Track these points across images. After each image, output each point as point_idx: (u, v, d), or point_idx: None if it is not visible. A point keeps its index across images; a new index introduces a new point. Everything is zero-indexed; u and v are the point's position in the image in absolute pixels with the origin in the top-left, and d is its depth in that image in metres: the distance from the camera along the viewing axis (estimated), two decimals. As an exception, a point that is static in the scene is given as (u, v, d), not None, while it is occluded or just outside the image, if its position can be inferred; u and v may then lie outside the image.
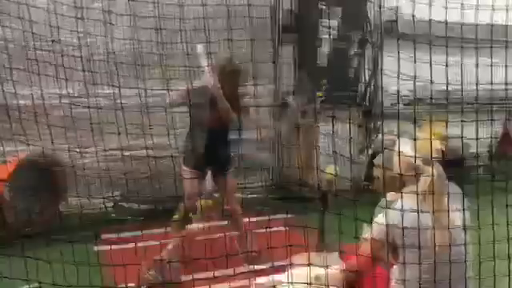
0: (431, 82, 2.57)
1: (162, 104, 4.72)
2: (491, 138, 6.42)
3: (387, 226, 2.50)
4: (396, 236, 2.51)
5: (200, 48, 4.54)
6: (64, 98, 5.10)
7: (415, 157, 2.55)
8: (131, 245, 3.51)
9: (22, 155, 5.27)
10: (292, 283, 2.77)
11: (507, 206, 2.74)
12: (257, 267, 3.99)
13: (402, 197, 2.47)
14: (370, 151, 7.34)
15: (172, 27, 4.28)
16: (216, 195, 5.28)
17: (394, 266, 2.68)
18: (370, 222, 2.66)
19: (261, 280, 3.19)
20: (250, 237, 5.00)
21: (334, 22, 7.25)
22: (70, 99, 4.89)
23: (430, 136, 2.55)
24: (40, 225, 5.45)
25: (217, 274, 3.56)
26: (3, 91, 4.13)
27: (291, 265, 2.89)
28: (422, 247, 2.45)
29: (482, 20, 3.30)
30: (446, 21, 2.88)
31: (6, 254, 2.94)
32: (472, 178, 3.70)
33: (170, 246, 4.63)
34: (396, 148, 2.64)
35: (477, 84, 2.79)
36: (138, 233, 3.69)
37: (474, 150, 3.22)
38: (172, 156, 4.22)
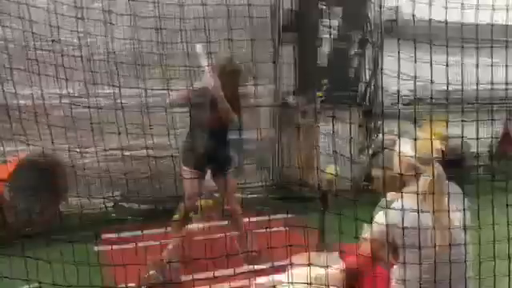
0: (431, 81, 2.57)
1: (162, 104, 4.72)
2: (491, 137, 6.41)
3: (387, 225, 2.50)
4: (396, 236, 2.51)
5: (199, 48, 4.54)
6: (64, 97, 5.10)
7: (415, 157, 2.55)
8: (131, 245, 3.49)
9: (22, 155, 5.28)
10: (292, 283, 2.76)
11: (507, 205, 2.73)
12: (257, 267, 3.98)
13: (402, 197, 2.47)
14: (370, 151, 7.33)
15: (172, 27, 4.28)
16: (216, 195, 5.29)
17: (394, 266, 2.67)
18: (370, 221, 2.66)
19: (261, 280, 3.18)
20: (250, 237, 5.00)
21: (335, 22, 7.24)
22: (70, 99, 4.89)
23: (431, 136, 2.55)
24: (40, 225, 5.45)
25: (217, 274, 3.56)
26: (3, 91, 4.14)
27: (291, 265, 2.88)
28: (422, 247, 2.45)
29: (482, 20, 3.29)
30: (446, 21, 2.88)
31: (6, 253, 2.94)
32: (472, 177, 3.70)
33: (170, 246, 4.63)
34: (396, 148, 2.64)
35: (477, 84, 2.79)
36: (139, 233, 3.69)
37: (475, 150, 3.21)
38: (172, 156, 4.22)
